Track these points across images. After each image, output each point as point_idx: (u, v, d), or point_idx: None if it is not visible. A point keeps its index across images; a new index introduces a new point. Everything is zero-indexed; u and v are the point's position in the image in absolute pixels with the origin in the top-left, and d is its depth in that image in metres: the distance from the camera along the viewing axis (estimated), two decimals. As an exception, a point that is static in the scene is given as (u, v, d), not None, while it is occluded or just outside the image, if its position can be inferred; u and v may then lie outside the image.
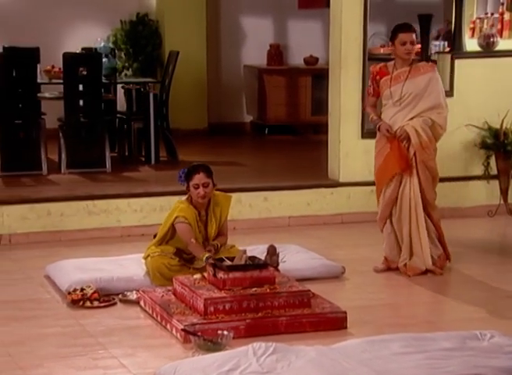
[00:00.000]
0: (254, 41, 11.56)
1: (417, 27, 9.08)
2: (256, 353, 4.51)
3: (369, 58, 9.35)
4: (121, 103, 9.85)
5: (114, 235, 7.36)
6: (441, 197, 8.14)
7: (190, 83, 10.96)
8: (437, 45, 9.39)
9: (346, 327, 5.25)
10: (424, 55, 8.60)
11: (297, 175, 8.45)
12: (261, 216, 7.78)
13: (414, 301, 5.84)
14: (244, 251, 5.54)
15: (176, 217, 5.90)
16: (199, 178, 5.89)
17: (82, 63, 8.62)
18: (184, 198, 6.04)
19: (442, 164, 8.22)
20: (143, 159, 9.12)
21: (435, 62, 8.17)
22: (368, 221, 7.38)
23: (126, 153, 9.40)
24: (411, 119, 6.21)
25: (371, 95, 6.38)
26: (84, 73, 8.58)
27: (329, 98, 8.13)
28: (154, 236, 6.12)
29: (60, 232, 7.30)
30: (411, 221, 6.27)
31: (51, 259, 6.44)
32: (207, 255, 5.63)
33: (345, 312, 5.30)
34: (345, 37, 7.86)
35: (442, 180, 8.21)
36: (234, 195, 7.64)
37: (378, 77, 6.30)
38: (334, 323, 5.24)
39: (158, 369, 4.50)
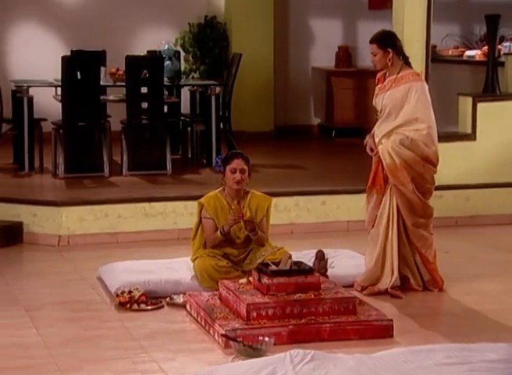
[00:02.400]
0: (323, 42, 11.48)
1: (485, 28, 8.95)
2: (293, 360, 4.42)
3: (436, 59, 9.20)
4: (187, 106, 9.87)
5: (170, 237, 7.38)
6: (501, 203, 7.97)
7: (257, 86, 10.93)
8: (506, 46, 9.17)
9: (392, 336, 5.12)
10: (491, 57, 8.39)
11: (359, 179, 8.28)
12: (318, 220, 7.69)
13: (465, 311, 5.66)
14: (290, 256, 5.47)
15: (202, 207, 6.00)
16: (237, 163, 5.92)
17: (144, 66, 8.65)
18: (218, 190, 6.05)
19: (503, 169, 8.05)
20: (205, 162, 9.12)
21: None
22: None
23: (189, 155, 9.43)
24: (389, 134, 5.80)
25: None
26: (147, 75, 8.63)
27: (391, 100, 7.98)
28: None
29: (117, 234, 7.35)
30: (386, 240, 5.86)
31: (107, 261, 6.47)
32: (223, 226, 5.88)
33: (391, 320, 5.17)
34: (407, 39, 7.67)
35: (503, 185, 8.04)
36: (292, 199, 7.66)
37: (378, 85, 6.06)
38: (379, 331, 5.11)
39: (193, 375, 4.47)
